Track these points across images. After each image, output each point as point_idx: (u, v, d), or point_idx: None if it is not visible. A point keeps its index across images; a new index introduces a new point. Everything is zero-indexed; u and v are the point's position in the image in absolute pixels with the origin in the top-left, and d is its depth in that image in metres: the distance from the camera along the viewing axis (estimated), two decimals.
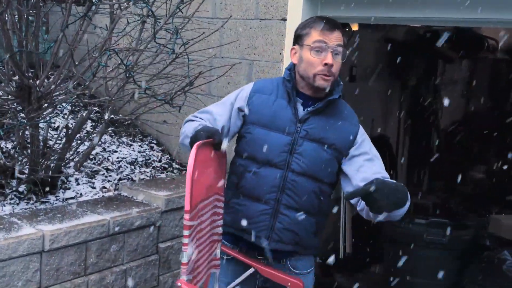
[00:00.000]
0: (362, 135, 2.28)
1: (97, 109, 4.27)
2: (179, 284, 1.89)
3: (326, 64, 2.14)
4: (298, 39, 2.25)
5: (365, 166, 2.19)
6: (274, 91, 2.30)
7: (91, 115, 4.19)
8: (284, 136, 2.21)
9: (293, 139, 2.20)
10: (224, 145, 2.07)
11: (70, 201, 3.28)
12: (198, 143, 1.93)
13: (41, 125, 3.57)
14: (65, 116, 3.52)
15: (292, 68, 2.30)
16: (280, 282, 2.27)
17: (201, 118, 2.33)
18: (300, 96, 2.27)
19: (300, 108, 2.25)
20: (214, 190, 2.18)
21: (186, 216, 1.86)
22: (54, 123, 3.88)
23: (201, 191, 2.02)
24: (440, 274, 4.07)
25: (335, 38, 2.16)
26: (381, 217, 1.97)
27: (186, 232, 1.88)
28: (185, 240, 1.88)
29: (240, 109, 2.31)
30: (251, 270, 2.32)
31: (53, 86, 2.88)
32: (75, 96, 2.99)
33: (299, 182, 2.20)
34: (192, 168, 1.86)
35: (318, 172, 2.21)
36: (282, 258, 2.32)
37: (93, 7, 2.95)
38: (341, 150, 2.22)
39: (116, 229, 3.05)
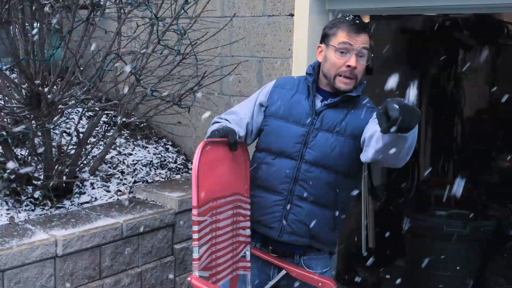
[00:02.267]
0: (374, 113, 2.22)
1: (112, 113, 4.30)
2: (189, 279, 1.92)
3: (349, 66, 2.17)
4: (325, 38, 2.27)
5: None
6: (294, 87, 2.35)
7: (106, 119, 4.22)
8: (299, 127, 2.24)
9: (308, 131, 2.23)
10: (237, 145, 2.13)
11: (85, 205, 3.31)
12: (206, 140, 2.01)
13: (55, 131, 3.62)
14: (76, 122, 3.54)
15: (316, 65, 2.33)
16: (311, 283, 2.27)
17: (226, 119, 2.38)
18: (321, 93, 2.30)
19: (318, 102, 2.28)
20: (236, 190, 2.21)
21: (194, 211, 1.91)
22: (69, 128, 3.92)
23: (214, 188, 2.05)
24: (462, 266, 4.02)
25: (361, 40, 2.18)
26: (388, 138, 1.85)
27: (195, 228, 1.92)
28: (195, 236, 1.92)
29: (261, 104, 2.37)
30: (283, 272, 2.32)
31: (61, 93, 2.90)
32: (80, 101, 3.00)
33: (313, 173, 2.21)
34: (197, 163, 1.91)
35: (332, 162, 2.20)
36: (296, 253, 2.30)
37: (98, 12, 2.96)
38: (357, 136, 2.19)
39: (130, 231, 3.07)
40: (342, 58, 2.18)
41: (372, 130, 2.03)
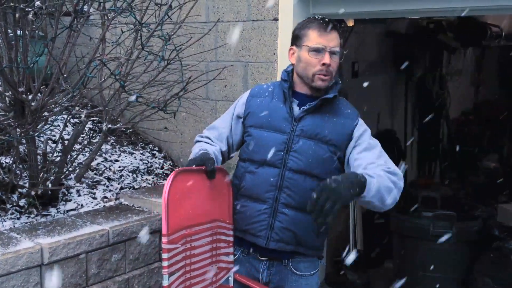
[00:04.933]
0: (360, 129, 2.27)
1: (97, 119, 4.28)
2: None
3: (324, 64, 2.18)
4: (296, 39, 2.27)
5: (362, 156, 2.19)
6: (270, 94, 2.34)
7: (92, 126, 4.21)
8: (280, 135, 2.23)
9: (288, 138, 2.23)
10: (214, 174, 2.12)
11: (71, 212, 3.30)
12: (177, 170, 2.01)
13: (40, 138, 3.60)
14: (61, 129, 3.53)
15: (290, 70, 2.33)
16: None
17: (207, 137, 2.39)
18: (297, 96, 2.30)
19: (296, 107, 2.28)
20: (216, 217, 2.21)
21: (164, 239, 1.91)
22: (54, 136, 3.90)
23: (188, 215, 2.04)
24: (450, 267, 4.04)
25: (332, 39, 2.20)
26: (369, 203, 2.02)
27: (164, 256, 1.92)
28: (164, 263, 1.91)
29: (238, 116, 2.37)
30: None
31: (45, 100, 2.89)
32: (65, 108, 2.99)
33: (296, 180, 2.21)
34: (167, 192, 1.91)
35: (315, 169, 2.21)
36: (283, 258, 2.31)
37: (81, 19, 2.96)
38: (338, 145, 2.23)
39: (116, 238, 3.06)
40: (316, 57, 2.18)
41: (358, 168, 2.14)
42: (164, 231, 1.90)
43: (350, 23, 4.42)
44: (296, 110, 2.27)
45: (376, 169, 2.08)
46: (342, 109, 2.30)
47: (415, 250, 4.18)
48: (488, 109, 6.87)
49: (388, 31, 5.55)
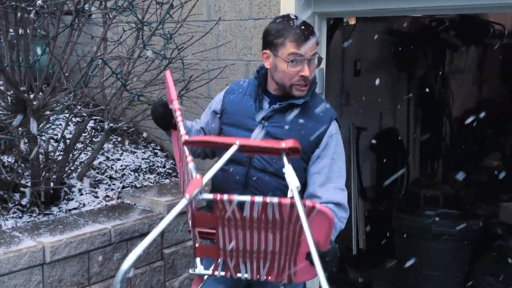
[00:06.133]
0: (330, 136, 2.20)
1: (99, 118, 4.28)
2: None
3: (302, 75, 2.12)
4: (270, 45, 2.17)
5: (318, 176, 2.18)
6: (243, 90, 2.33)
7: (94, 125, 4.21)
8: (248, 133, 2.20)
9: (255, 137, 2.18)
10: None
11: (73, 211, 3.30)
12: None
13: (42, 137, 3.60)
14: (63, 128, 3.53)
15: (262, 68, 2.28)
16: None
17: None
18: (268, 95, 2.27)
19: (266, 106, 2.25)
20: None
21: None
22: (56, 135, 3.91)
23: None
24: (452, 266, 4.04)
25: (310, 47, 2.11)
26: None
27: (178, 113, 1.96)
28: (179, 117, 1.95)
29: (215, 112, 2.38)
30: None
31: (46, 99, 2.89)
32: (66, 107, 2.99)
33: (262, 179, 2.19)
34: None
35: (279, 169, 2.09)
36: None
37: (82, 18, 2.96)
38: (304, 150, 2.09)
39: (118, 237, 3.06)
40: (293, 68, 2.11)
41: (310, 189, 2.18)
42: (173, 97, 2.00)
43: (352, 21, 4.42)
44: (266, 108, 2.24)
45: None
46: (314, 110, 2.23)
47: (417, 249, 4.18)
48: (491, 107, 6.85)
49: (390, 30, 5.54)
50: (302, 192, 2.20)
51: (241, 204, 1.65)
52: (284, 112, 2.20)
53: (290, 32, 2.11)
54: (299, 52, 2.10)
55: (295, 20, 2.15)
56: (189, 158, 1.76)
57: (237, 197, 1.66)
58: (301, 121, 2.20)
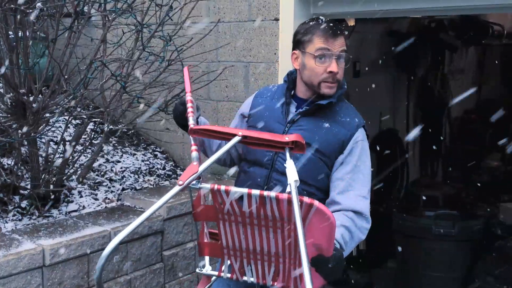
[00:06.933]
0: (356, 142, 2.18)
1: (99, 120, 4.28)
2: None
3: (330, 72, 2.11)
4: (299, 44, 2.19)
5: (340, 182, 2.15)
6: (271, 94, 2.33)
7: (94, 127, 4.21)
8: None
9: None
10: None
11: (73, 214, 3.30)
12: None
13: (41, 139, 3.60)
14: (63, 130, 3.53)
15: (293, 72, 2.28)
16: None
17: None
18: (296, 100, 2.26)
19: (293, 110, 2.24)
20: None
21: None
22: (56, 137, 3.91)
23: None
24: (452, 266, 4.03)
25: (339, 44, 2.12)
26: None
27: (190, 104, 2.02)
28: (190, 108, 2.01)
29: (243, 115, 2.38)
30: None
31: (46, 102, 2.89)
32: (65, 109, 2.99)
33: (283, 182, 2.15)
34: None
35: (302, 173, 2.09)
36: None
37: (82, 20, 2.96)
38: (327, 154, 2.15)
39: None
40: (322, 64, 2.11)
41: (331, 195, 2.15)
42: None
43: (351, 22, 4.42)
44: (293, 112, 2.23)
45: (341, 216, 2.05)
46: (341, 116, 2.21)
47: (417, 249, 4.18)
48: (490, 108, 6.84)
49: (390, 31, 5.53)
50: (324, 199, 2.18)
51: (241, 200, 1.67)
52: (310, 116, 2.19)
53: (318, 28, 2.13)
54: (326, 47, 2.10)
55: (323, 19, 2.17)
56: (194, 147, 1.77)
57: (234, 189, 1.66)
58: (326, 125, 2.17)
